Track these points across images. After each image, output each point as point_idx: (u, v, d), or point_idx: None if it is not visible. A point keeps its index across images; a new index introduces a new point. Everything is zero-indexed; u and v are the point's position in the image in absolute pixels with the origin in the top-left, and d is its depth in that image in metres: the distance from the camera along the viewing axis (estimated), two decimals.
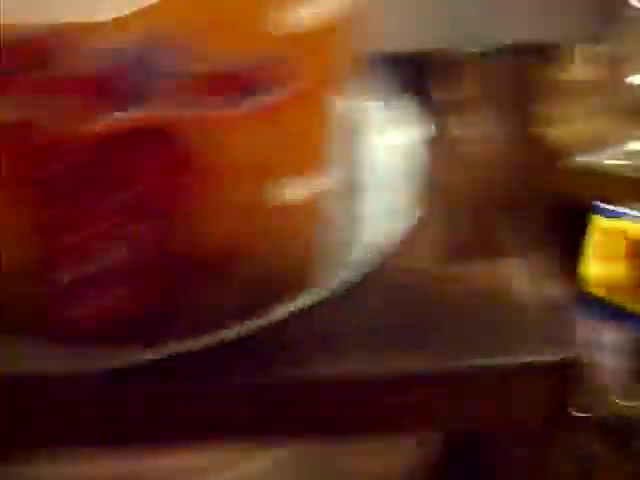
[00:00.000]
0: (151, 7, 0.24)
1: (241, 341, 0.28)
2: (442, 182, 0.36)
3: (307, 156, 0.28)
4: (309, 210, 0.30)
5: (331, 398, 0.28)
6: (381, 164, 0.35)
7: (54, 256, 0.27)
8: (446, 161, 0.37)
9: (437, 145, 0.37)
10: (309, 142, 0.28)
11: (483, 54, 0.46)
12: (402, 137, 0.36)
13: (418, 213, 0.33)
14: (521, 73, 0.46)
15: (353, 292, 0.30)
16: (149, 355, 0.27)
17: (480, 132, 0.42)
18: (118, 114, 0.26)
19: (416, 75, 0.30)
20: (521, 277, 0.32)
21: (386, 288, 0.32)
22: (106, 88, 0.25)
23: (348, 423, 0.28)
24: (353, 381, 0.28)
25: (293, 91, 0.27)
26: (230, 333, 0.28)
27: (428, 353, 0.28)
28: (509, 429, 0.30)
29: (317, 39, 0.26)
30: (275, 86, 0.26)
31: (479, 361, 0.28)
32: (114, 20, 0.24)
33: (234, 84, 0.26)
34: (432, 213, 0.35)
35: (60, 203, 0.27)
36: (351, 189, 0.33)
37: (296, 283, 0.31)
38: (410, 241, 0.32)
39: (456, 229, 0.36)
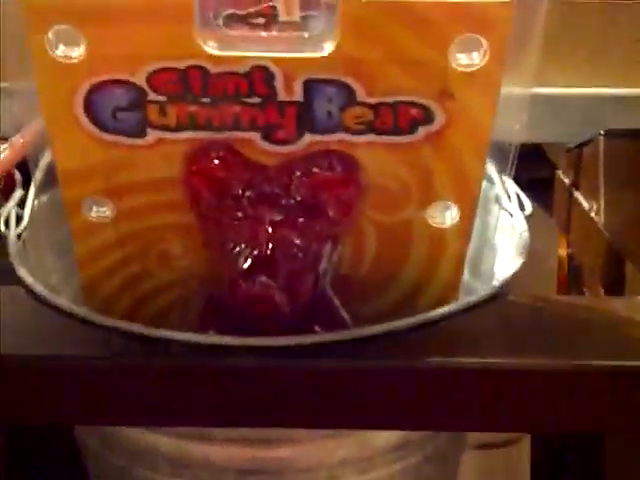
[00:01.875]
0: (343, 43, 0.28)
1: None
2: None
3: (463, 182, 0.31)
4: (461, 232, 0.32)
5: (468, 391, 0.30)
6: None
7: (230, 260, 0.31)
8: None
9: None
10: (466, 170, 0.31)
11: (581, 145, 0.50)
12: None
13: None
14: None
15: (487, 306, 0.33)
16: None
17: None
18: (309, 137, 0.29)
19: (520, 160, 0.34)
20: None
21: (513, 306, 0.34)
22: (304, 115, 0.29)
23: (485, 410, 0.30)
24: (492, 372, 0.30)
25: (457, 122, 0.30)
26: (380, 328, 0.31)
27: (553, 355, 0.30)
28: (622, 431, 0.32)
29: (485, 77, 0.29)
30: (441, 117, 0.29)
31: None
32: (322, 57, 0.28)
33: (405, 114, 0.29)
34: None
35: (240, 214, 0.31)
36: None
37: (443, 298, 0.34)
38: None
39: None
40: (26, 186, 0.43)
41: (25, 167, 0.46)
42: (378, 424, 0.31)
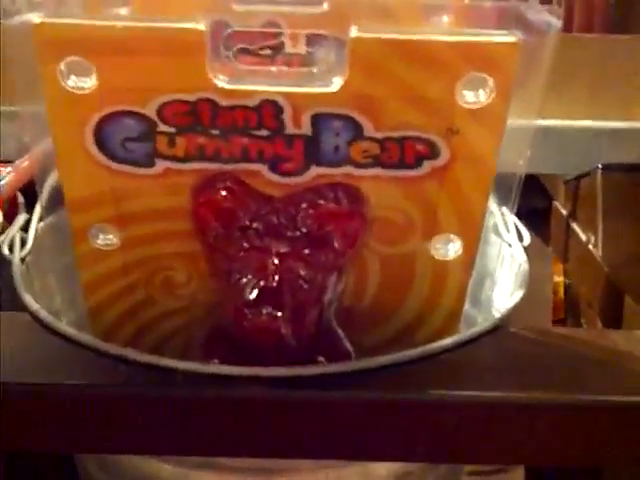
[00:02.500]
0: (352, 79, 0.28)
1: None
2: None
3: (467, 215, 0.32)
4: (464, 264, 0.33)
5: (469, 423, 0.30)
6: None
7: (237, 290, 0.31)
8: None
9: None
10: (470, 204, 0.31)
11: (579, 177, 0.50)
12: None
13: None
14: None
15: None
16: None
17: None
18: (316, 170, 0.30)
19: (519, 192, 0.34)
20: None
21: (514, 339, 0.34)
22: (311, 148, 0.29)
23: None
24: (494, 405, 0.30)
25: (462, 158, 0.30)
26: (383, 360, 0.31)
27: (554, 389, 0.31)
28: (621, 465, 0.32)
29: (490, 114, 0.29)
30: (447, 152, 0.30)
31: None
32: (331, 92, 0.28)
33: (411, 148, 0.30)
34: None
35: (247, 245, 0.31)
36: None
37: (444, 329, 0.34)
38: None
39: None
40: (29, 209, 0.43)
41: (28, 190, 0.46)
42: (380, 456, 0.31)
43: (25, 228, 0.41)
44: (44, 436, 0.31)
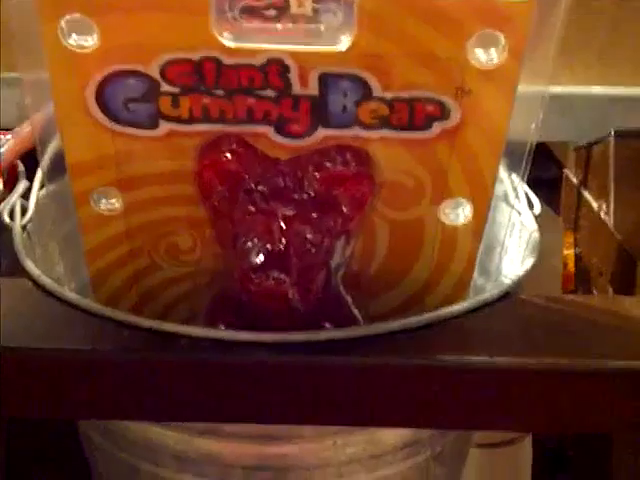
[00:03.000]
0: (360, 38, 0.27)
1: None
2: None
3: (477, 180, 0.31)
4: (474, 230, 0.32)
5: (479, 389, 0.30)
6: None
7: (244, 253, 0.31)
8: None
9: None
10: (481, 167, 0.31)
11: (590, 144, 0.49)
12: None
13: None
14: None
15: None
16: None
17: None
18: (323, 131, 0.29)
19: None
20: None
21: (525, 306, 0.34)
22: (318, 109, 0.29)
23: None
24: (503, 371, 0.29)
25: (473, 120, 0.29)
26: (393, 325, 0.30)
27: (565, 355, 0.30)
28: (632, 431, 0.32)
29: (502, 75, 0.28)
30: (457, 114, 0.29)
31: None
32: (339, 51, 0.27)
33: (421, 109, 0.29)
34: None
35: (252, 208, 0.31)
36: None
37: (453, 296, 0.33)
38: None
39: None
40: (30, 177, 0.43)
41: (28, 158, 0.46)
42: (388, 421, 0.31)
43: (26, 196, 0.41)
44: (46, 402, 0.30)
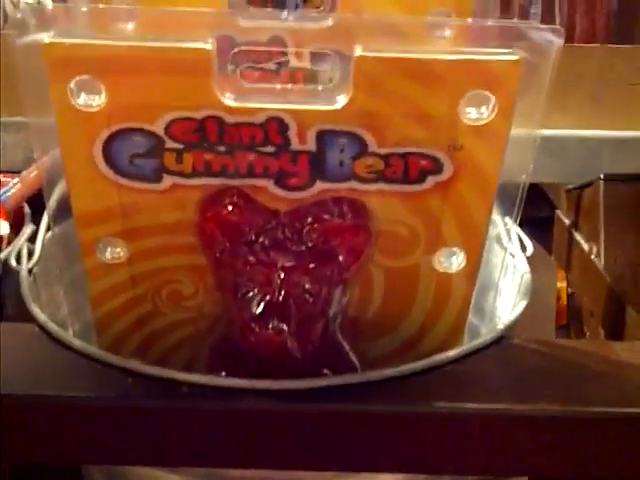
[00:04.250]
0: (356, 97, 0.29)
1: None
2: None
3: (470, 229, 0.32)
4: (467, 277, 0.33)
5: (473, 435, 0.31)
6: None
7: (243, 303, 0.32)
8: None
9: None
10: (473, 217, 0.32)
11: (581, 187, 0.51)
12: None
13: None
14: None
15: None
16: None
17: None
18: (321, 185, 0.30)
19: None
20: None
21: (518, 351, 0.34)
22: (316, 163, 0.30)
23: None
24: (498, 417, 0.30)
25: (465, 173, 0.30)
26: (388, 373, 0.31)
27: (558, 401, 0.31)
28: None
29: (492, 131, 0.29)
30: (450, 168, 0.30)
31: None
32: (335, 110, 0.29)
33: (415, 164, 0.30)
34: None
35: (253, 259, 0.32)
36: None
37: (448, 341, 0.34)
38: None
39: None
40: (36, 221, 0.44)
41: (35, 202, 0.47)
42: (386, 467, 0.32)
43: (32, 239, 0.42)
44: (50, 448, 0.31)
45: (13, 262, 0.39)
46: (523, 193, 0.34)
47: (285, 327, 0.30)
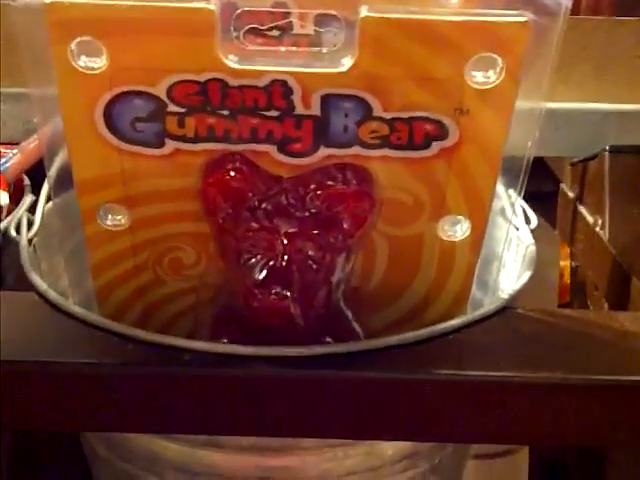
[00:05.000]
0: (361, 60, 0.28)
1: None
2: None
3: (475, 197, 0.32)
4: (472, 246, 0.33)
5: (476, 402, 0.30)
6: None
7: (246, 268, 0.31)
8: None
9: None
10: (478, 185, 0.31)
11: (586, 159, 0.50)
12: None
13: None
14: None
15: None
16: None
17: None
18: (325, 150, 0.30)
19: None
20: None
21: (522, 320, 0.34)
22: (320, 128, 0.29)
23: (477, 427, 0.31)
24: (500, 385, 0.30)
25: (471, 139, 0.30)
26: (391, 340, 0.31)
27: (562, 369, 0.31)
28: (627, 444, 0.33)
29: (499, 95, 0.29)
30: (455, 133, 0.30)
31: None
32: (340, 73, 0.28)
33: (420, 129, 0.30)
34: None
35: (255, 225, 0.31)
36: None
37: (451, 311, 0.34)
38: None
39: None
40: (36, 192, 0.43)
41: (34, 173, 0.46)
42: (388, 435, 0.31)
43: (32, 210, 0.41)
44: (51, 414, 0.31)
45: (13, 232, 0.39)
46: (527, 166, 0.33)
47: (288, 293, 0.30)
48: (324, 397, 0.30)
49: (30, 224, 0.40)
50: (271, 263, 0.30)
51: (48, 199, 0.41)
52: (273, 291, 0.30)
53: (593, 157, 0.48)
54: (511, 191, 0.38)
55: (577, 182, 0.51)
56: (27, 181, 0.46)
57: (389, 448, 0.35)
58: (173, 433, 0.34)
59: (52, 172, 0.35)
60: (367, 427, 0.31)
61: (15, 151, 0.46)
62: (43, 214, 0.41)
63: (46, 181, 0.39)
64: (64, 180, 0.32)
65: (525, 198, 0.39)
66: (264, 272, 0.30)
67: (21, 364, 0.31)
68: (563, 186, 0.54)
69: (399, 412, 0.31)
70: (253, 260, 0.30)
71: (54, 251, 0.39)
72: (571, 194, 0.53)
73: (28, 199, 0.42)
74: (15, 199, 0.44)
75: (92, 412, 0.31)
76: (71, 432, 0.41)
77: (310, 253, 0.30)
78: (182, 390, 0.31)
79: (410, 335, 0.31)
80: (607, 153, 0.46)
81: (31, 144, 0.46)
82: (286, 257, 0.30)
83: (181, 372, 0.30)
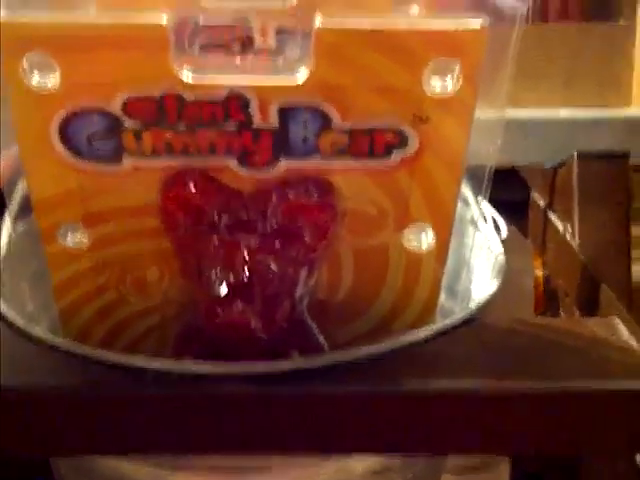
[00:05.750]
0: (317, 70, 0.28)
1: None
2: None
3: (438, 204, 0.31)
4: (437, 255, 0.33)
5: (445, 414, 0.30)
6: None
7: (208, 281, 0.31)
8: None
9: None
10: (441, 192, 0.31)
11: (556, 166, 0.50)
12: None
13: None
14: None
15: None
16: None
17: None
18: (285, 162, 0.29)
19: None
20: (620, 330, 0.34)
21: (490, 329, 0.34)
22: (280, 140, 0.29)
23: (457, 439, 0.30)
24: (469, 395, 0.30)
25: (431, 146, 0.30)
26: (356, 353, 0.31)
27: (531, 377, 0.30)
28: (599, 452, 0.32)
29: (458, 102, 0.29)
30: (416, 141, 0.30)
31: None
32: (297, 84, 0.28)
33: (380, 138, 0.29)
34: None
35: (216, 240, 0.31)
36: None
37: (420, 321, 0.34)
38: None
39: None
40: (1, 215, 0.43)
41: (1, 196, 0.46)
42: (356, 448, 0.31)
43: None
44: (15, 439, 0.30)
45: None
46: (490, 174, 0.33)
47: (249, 308, 0.29)
48: (289, 413, 0.30)
49: None
50: (232, 278, 0.30)
51: (13, 223, 0.40)
52: (235, 306, 0.29)
53: (563, 164, 0.48)
54: (481, 200, 0.38)
55: (547, 190, 0.51)
56: None
57: (359, 465, 0.34)
58: (140, 454, 0.33)
59: (15, 197, 0.35)
60: (334, 441, 0.30)
61: None
62: (9, 239, 0.40)
63: (9, 205, 0.38)
64: (29, 204, 0.32)
65: (497, 207, 0.39)
66: (225, 287, 0.30)
67: None
68: (534, 194, 0.54)
69: (366, 425, 0.30)
70: (214, 275, 0.30)
71: (20, 277, 0.38)
72: (542, 202, 0.52)
73: None
74: None
75: (55, 436, 0.30)
76: (35, 458, 0.41)
77: (272, 267, 0.30)
78: (146, 410, 0.30)
79: (376, 347, 0.31)
80: (575, 159, 0.46)
81: None
82: (247, 272, 0.30)
83: (145, 392, 0.30)
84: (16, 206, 0.36)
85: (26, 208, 0.32)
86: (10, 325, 0.33)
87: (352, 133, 0.29)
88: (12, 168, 0.33)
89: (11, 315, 0.34)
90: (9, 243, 0.39)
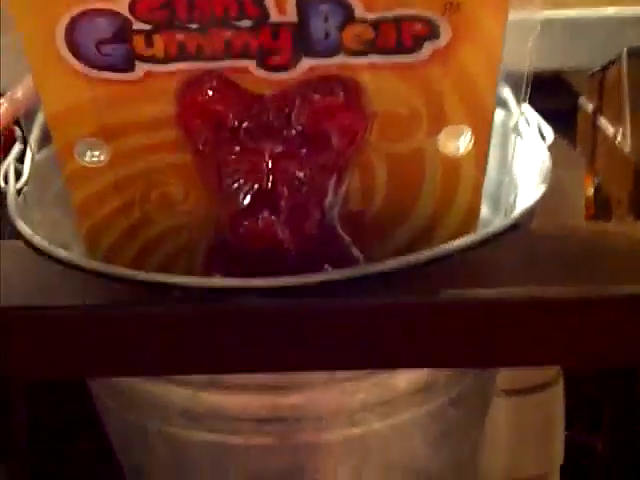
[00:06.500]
0: None
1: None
2: None
3: (475, 103, 0.29)
4: (477, 159, 0.30)
5: (490, 325, 0.28)
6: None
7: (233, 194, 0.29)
8: None
9: None
10: (478, 89, 0.29)
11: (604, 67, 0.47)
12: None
13: None
14: None
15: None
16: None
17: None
18: (307, 61, 0.27)
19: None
20: None
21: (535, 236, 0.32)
22: (300, 37, 0.27)
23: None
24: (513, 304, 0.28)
25: (465, 37, 0.27)
26: (391, 264, 0.29)
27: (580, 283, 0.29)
28: None
29: None
30: (448, 32, 0.27)
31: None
32: None
33: (409, 29, 0.27)
34: None
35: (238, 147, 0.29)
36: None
37: (462, 231, 0.32)
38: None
39: None
40: (26, 141, 0.41)
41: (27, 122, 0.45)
42: (395, 363, 0.29)
43: (21, 159, 0.40)
44: (44, 360, 0.30)
45: (1, 182, 0.37)
46: (530, 76, 0.31)
47: (275, 218, 0.28)
48: (325, 327, 0.28)
49: (18, 174, 0.38)
50: (256, 187, 0.28)
51: (39, 148, 0.39)
52: (259, 216, 0.28)
53: (610, 63, 0.45)
54: (525, 106, 0.36)
55: (596, 93, 0.48)
56: (18, 131, 0.44)
57: (402, 380, 0.33)
58: (169, 374, 0.32)
59: (39, 120, 0.34)
60: (376, 356, 0.29)
61: (2, 100, 0.44)
62: (33, 164, 0.39)
63: (33, 129, 0.37)
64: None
65: (546, 116, 0.37)
66: (248, 197, 0.28)
67: (8, 309, 0.29)
68: (582, 99, 0.51)
69: (409, 338, 0.28)
70: (236, 185, 0.28)
71: (48, 203, 0.37)
72: (590, 106, 0.49)
73: (16, 148, 0.41)
74: (6, 149, 0.42)
75: (82, 357, 0.30)
76: (67, 380, 0.40)
77: (297, 174, 0.28)
78: (174, 328, 0.29)
79: (414, 257, 0.29)
80: (625, 58, 0.43)
81: (18, 93, 0.44)
82: (272, 179, 0.28)
83: (170, 309, 0.29)
84: (39, 131, 0.35)
85: (48, 136, 0.31)
86: (31, 246, 0.32)
87: (378, 24, 0.27)
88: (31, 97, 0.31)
89: (34, 237, 0.32)
90: (35, 169, 0.38)
